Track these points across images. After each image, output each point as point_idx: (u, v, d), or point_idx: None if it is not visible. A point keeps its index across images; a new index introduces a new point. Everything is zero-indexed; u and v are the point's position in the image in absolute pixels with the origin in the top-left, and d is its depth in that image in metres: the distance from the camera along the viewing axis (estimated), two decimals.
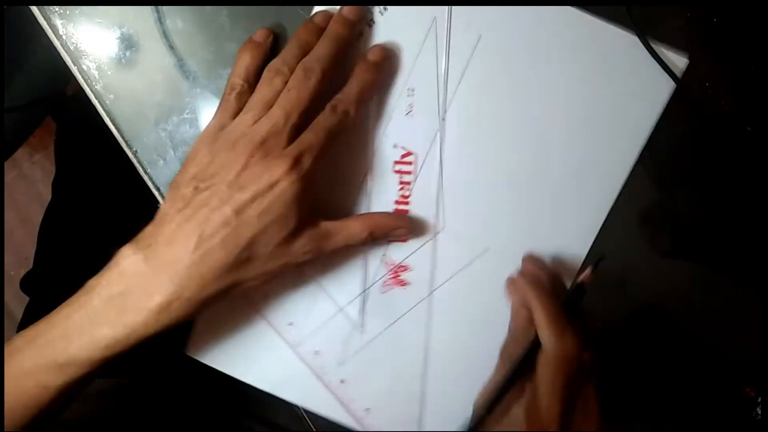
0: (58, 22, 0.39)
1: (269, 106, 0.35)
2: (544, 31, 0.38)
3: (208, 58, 0.39)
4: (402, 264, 0.41)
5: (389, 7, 0.38)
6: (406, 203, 0.40)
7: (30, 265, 0.69)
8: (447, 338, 0.42)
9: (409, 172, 0.40)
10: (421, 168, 0.40)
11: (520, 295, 0.39)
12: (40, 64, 0.64)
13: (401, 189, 0.40)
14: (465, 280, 0.41)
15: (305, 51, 0.36)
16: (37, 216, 0.70)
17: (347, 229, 0.37)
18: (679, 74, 0.38)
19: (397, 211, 0.40)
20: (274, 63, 0.36)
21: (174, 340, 0.42)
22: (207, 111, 0.40)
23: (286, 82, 0.35)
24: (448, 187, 0.40)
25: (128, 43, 0.39)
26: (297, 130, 0.35)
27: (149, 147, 0.40)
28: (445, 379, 0.42)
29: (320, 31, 0.36)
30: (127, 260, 0.33)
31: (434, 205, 0.40)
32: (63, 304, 0.34)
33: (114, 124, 0.40)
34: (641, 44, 0.38)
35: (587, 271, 0.37)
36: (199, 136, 0.36)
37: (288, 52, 0.36)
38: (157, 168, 0.41)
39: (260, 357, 0.42)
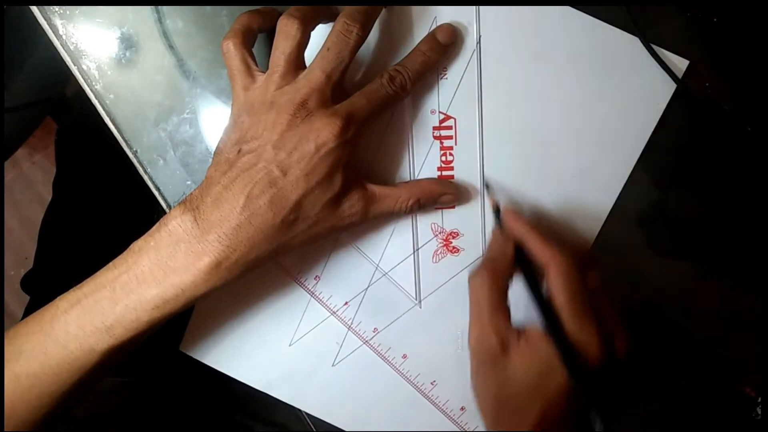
0: (58, 22, 0.39)
1: (291, 60, 0.34)
2: (544, 32, 0.38)
3: (208, 58, 0.39)
4: (452, 231, 0.41)
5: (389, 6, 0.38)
6: (451, 168, 0.40)
7: (30, 265, 0.69)
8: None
9: (450, 137, 0.40)
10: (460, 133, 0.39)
11: (507, 229, 0.38)
12: (40, 64, 0.63)
13: (443, 155, 0.40)
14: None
15: None
16: (37, 216, 0.70)
17: (394, 195, 0.37)
18: (679, 75, 0.38)
19: (441, 177, 0.40)
20: (286, 12, 0.34)
21: (173, 338, 0.42)
22: (207, 111, 0.40)
23: (302, 29, 0.34)
24: (489, 153, 0.40)
25: (128, 43, 0.39)
26: (338, 88, 0.34)
27: (149, 147, 0.40)
28: None
29: None
30: (176, 220, 0.33)
31: (477, 169, 0.40)
32: (108, 266, 0.34)
33: (114, 124, 0.40)
34: (641, 45, 0.38)
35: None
36: (232, 105, 0.35)
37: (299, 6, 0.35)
38: (157, 168, 0.40)
39: (255, 355, 0.42)
